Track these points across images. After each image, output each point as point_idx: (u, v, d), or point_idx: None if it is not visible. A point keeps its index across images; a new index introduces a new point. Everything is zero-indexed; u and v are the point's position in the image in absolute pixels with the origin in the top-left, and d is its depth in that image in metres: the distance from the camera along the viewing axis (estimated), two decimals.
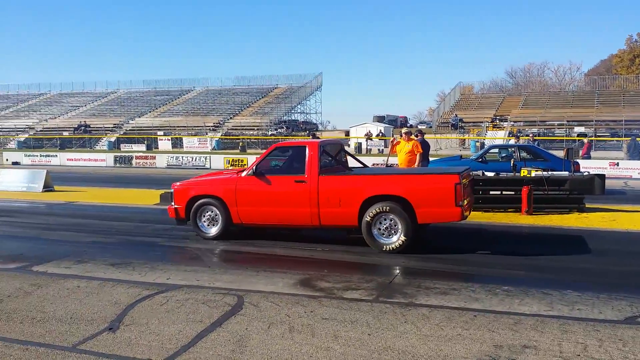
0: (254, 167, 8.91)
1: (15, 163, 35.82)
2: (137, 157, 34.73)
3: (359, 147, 37.05)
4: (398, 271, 7.01)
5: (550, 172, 12.41)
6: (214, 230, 9.25)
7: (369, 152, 36.58)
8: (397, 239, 7.95)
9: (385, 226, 8.04)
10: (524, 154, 16.12)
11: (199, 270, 7.14)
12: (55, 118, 57.92)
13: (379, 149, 37.07)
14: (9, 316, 5.31)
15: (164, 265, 7.45)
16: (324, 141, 9.57)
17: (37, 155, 38.73)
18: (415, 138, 12.37)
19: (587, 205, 11.70)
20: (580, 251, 8.19)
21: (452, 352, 4.31)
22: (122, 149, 44.16)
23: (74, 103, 63.06)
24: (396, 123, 56.63)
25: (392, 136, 39.66)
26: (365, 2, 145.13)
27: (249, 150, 39.56)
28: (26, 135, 52.63)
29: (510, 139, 29.58)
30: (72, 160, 36.43)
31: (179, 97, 61.28)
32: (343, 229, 8.66)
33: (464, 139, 38.51)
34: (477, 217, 10.84)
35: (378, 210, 8.00)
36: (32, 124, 56.79)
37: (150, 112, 56.57)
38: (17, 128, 55.77)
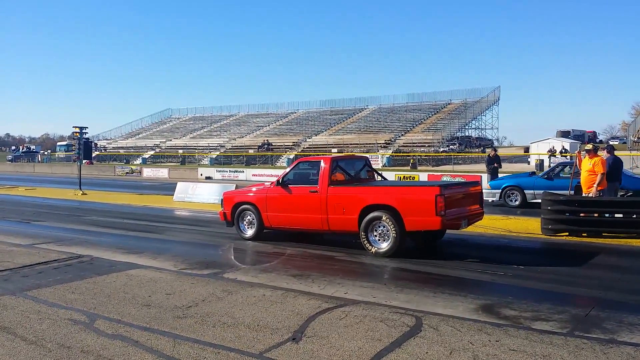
0: (280, 179, 10.32)
1: (208, 177, 39.75)
2: None
3: (540, 164, 34.42)
4: (595, 304, 6.25)
5: None
6: (250, 232, 10.90)
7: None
8: (387, 245, 8.91)
9: (379, 232, 9.03)
10: None
11: (375, 286, 7.11)
12: (242, 137, 63.34)
13: None
14: (203, 319, 5.73)
15: (341, 279, 7.56)
16: (340, 156, 10.86)
17: (226, 171, 42.65)
18: (601, 155, 11.69)
19: None
20: None
21: None
22: None
23: (259, 123, 68.41)
24: (583, 138, 51.97)
25: (576, 152, 36.13)
26: (544, 8, 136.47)
27: (419, 167, 39.16)
28: (217, 153, 58.25)
29: None
30: (256, 175, 39.34)
31: (352, 116, 63.21)
32: (347, 234, 9.85)
33: None
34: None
35: (372, 217, 8.98)
36: (223, 142, 62.76)
37: (325, 130, 59.10)
38: (210, 146, 62.03)
